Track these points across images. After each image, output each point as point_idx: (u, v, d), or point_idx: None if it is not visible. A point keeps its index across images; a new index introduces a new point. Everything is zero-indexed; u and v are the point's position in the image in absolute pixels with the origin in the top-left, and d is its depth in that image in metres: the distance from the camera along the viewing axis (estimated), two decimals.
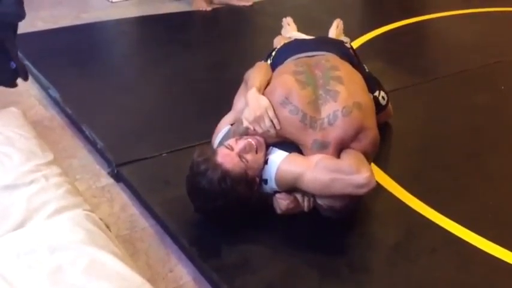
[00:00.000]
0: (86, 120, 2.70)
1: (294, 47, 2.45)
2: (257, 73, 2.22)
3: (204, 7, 4.51)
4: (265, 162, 2.02)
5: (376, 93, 2.49)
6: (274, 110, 2.02)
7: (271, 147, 2.06)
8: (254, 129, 2.03)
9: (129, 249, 1.98)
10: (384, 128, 2.44)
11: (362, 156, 1.97)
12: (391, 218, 2.18)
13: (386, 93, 2.57)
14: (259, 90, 2.08)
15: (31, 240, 1.65)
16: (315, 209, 2.03)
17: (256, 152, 1.99)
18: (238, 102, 2.28)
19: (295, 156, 2.01)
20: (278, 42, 2.80)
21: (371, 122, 2.06)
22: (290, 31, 3.13)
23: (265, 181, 2.02)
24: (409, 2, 5.02)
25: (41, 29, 3.93)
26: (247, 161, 1.95)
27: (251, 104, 2.04)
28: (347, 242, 2.02)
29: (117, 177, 2.37)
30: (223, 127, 2.22)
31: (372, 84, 2.47)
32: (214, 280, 1.84)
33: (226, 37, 3.98)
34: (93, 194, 2.30)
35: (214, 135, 2.25)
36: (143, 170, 2.38)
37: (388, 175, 2.37)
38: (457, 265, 1.93)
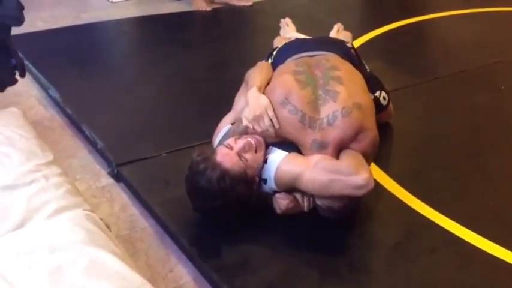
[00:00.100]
0: (86, 120, 2.70)
1: (295, 47, 2.45)
2: (258, 73, 2.22)
3: (204, 7, 4.51)
4: (265, 162, 2.02)
5: (377, 94, 2.49)
6: (273, 109, 2.03)
7: (270, 146, 2.06)
8: (253, 128, 2.04)
9: (129, 249, 1.98)
10: (384, 127, 2.44)
11: (361, 157, 1.97)
12: (391, 218, 2.18)
13: (387, 93, 2.57)
14: (259, 89, 2.09)
15: (31, 240, 1.65)
16: (314, 209, 2.03)
17: (256, 151, 2.00)
18: (239, 102, 2.29)
19: (294, 156, 2.01)
20: (278, 43, 2.80)
21: (370, 123, 2.06)
22: (289, 32, 3.13)
23: (265, 181, 2.02)
24: (409, 2, 5.02)
25: (41, 29, 3.93)
26: (246, 160, 1.95)
27: (251, 103, 2.05)
28: (347, 242, 2.02)
29: (117, 177, 2.37)
30: (224, 127, 2.22)
31: (373, 84, 2.47)
32: (214, 280, 1.84)
33: (226, 37, 3.98)
34: (93, 194, 2.30)
35: (214, 135, 2.25)
36: (143, 170, 2.38)
37: (388, 175, 2.37)
38: (457, 265, 1.93)
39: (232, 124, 2.18)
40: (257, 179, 2.00)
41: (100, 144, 2.52)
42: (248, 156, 1.96)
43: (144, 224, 2.15)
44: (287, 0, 4.77)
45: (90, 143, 2.60)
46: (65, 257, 1.57)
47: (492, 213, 2.19)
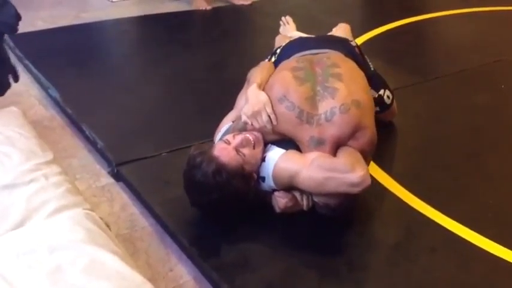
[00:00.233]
0: (86, 120, 2.70)
1: (298, 45, 2.46)
2: (259, 71, 2.24)
3: (204, 6, 4.51)
4: (263, 160, 2.02)
5: (381, 92, 2.50)
6: (272, 105, 2.03)
7: (269, 145, 2.06)
8: (252, 124, 2.04)
9: (129, 249, 1.98)
10: (383, 127, 2.44)
11: (358, 155, 1.97)
12: (391, 217, 2.18)
13: (391, 92, 2.57)
14: (259, 86, 2.10)
15: (31, 239, 1.64)
16: (314, 207, 2.04)
17: (254, 147, 2.00)
18: (241, 100, 2.30)
19: (292, 154, 2.01)
20: (280, 42, 2.80)
21: (369, 121, 2.06)
22: (289, 30, 3.13)
23: (263, 179, 2.02)
24: (409, 1, 5.03)
25: (40, 28, 3.93)
26: (244, 155, 1.96)
27: (250, 99, 2.06)
28: (347, 241, 2.02)
29: (117, 176, 2.37)
30: (226, 124, 2.23)
31: (378, 83, 2.48)
32: (214, 279, 1.84)
33: (226, 36, 3.98)
34: (93, 194, 2.30)
35: (216, 133, 2.26)
36: (143, 170, 2.38)
37: (388, 174, 2.37)
38: (457, 264, 1.93)
39: (233, 122, 2.19)
40: (255, 175, 2.01)
41: (100, 143, 2.52)
42: (246, 151, 1.97)
43: (144, 223, 2.15)
44: (287, 0, 4.77)
45: (90, 142, 2.60)
46: (65, 256, 1.57)
47: (492, 212, 2.19)
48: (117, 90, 3.06)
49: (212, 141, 2.24)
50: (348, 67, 2.19)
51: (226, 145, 1.98)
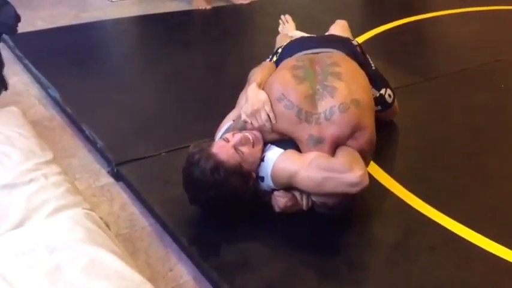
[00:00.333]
0: (86, 120, 2.70)
1: (300, 44, 2.46)
2: (260, 71, 2.25)
3: (204, 6, 4.51)
4: (262, 159, 2.02)
5: (383, 91, 2.51)
6: (271, 104, 2.04)
7: (269, 144, 2.06)
8: (251, 123, 2.05)
9: (129, 248, 1.98)
10: (384, 126, 2.44)
11: (357, 155, 1.96)
12: (390, 216, 2.18)
13: (392, 91, 2.57)
14: (259, 85, 2.11)
15: (30, 239, 1.64)
16: (313, 207, 2.03)
17: (253, 146, 2.01)
18: (242, 99, 2.31)
19: (291, 153, 2.01)
20: (280, 41, 2.80)
21: (368, 121, 2.05)
22: (288, 29, 3.12)
23: (262, 178, 2.02)
24: (409, 1, 5.03)
25: (40, 28, 3.93)
26: (242, 154, 1.96)
27: (250, 98, 2.07)
28: (346, 241, 2.02)
29: (117, 176, 2.37)
30: (226, 123, 2.23)
31: (379, 82, 2.49)
32: (214, 279, 1.83)
33: (226, 36, 3.98)
34: (93, 193, 2.30)
35: (216, 132, 2.26)
36: (143, 169, 2.38)
37: (388, 173, 2.36)
38: (457, 263, 1.93)
39: (233, 121, 2.19)
40: (254, 174, 2.01)
41: (100, 143, 2.52)
42: (245, 149, 1.98)
43: (143, 223, 2.15)
44: (287, 0, 4.77)
45: (90, 142, 2.60)
46: (64, 256, 1.57)
47: (492, 212, 2.19)
48: (117, 90, 3.06)
49: (212, 140, 2.24)
50: (348, 66, 2.19)
51: (225, 143, 1.98)
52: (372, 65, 2.52)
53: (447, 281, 1.86)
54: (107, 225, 1.85)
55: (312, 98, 2.04)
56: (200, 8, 4.51)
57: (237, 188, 1.94)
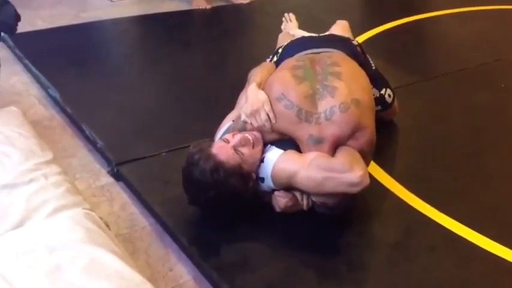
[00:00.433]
0: (86, 120, 2.70)
1: (300, 44, 2.46)
2: (259, 71, 2.25)
3: (204, 5, 4.51)
4: (262, 160, 2.02)
5: (383, 91, 2.51)
6: (271, 104, 2.04)
7: (269, 145, 2.06)
8: (251, 123, 2.05)
9: (129, 248, 1.98)
10: (384, 126, 2.44)
11: (357, 155, 1.96)
12: (390, 216, 2.18)
13: (392, 91, 2.57)
14: (258, 85, 2.11)
15: (30, 239, 1.65)
16: (314, 207, 2.03)
17: (253, 147, 2.00)
18: (241, 99, 2.31)
19: (291, 154, 2.01)
20: (282, 40, 2.80)
21: (369, 121, 2.05)
22: (292, 28, 3.12)
23: (262, 179, 2.02)
24: (409, 1, 5.03)
25: (40, 28, 3.93)
26: (242, 154, 1.96)
27: (249, 98, 2.07)
28: (346, 241, 2.02)
29: (117, 176, 2.37)
30: (226, 123, 2.23)
31: (379, 82, 2.49)
32: (214, 279, 1.83)
33: (226, 36, 3.98)
34: (93, 193, 2.30)
35: (216, 132, 2.26)
36: (143, 169, 2.38)
37: (388, 173, 2.36)
38: (457, 263, 1.93)
39: (233, 121, 2.19)
40: (254, 175, 2.01)
41: (100, 143, 2.52)
42: (245, 150, 1.97)
43: (143, 223, 2.15)
44: None
45: (90, 142, 2.60)
46: (64, 256, 1.57)
47: (492, 212, 2.19)
48: (117, 90, 3.06)
49: (212, 140, 2.24)
50: (348, 66, 2.19)
51: (225, 144, 1.98)
52: (372, 65, 2.52)
53: (447, 281, 1.86)
54: (107, 225, 1.85)
55: (312, 98, 2.04)
56: (200, 7, 4.50)
57: (236, 189, 1.94)
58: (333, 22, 2.99)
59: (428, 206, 2.17)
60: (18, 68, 3.33)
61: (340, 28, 2.84)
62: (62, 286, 1.49)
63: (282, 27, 3.18)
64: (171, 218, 2.08)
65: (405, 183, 2.30)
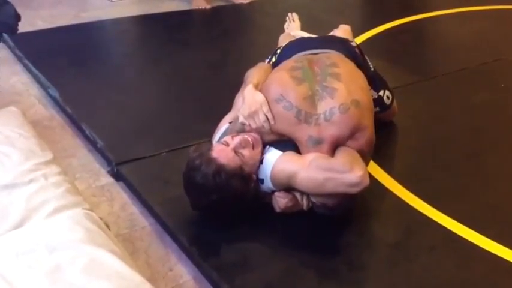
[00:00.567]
0: (86, 120, 2.70)
1: (299, 45, 2.45)
2: (256, 72, 2.24)
3: (204, 5, 4.51)
4: (261, 162, 2.02)
5: (381, 93, 2.51)
6: (269, 105, 2.03)
7: (268, 146, 2.06)
8: (249, 125, 2.05)
9: (129, 248, 1.98)
10: (383, 127, 2.44)
11: (357, 155, 1.96)
12: (390, 216, 2.18)
13: (391, 92, 2.57)
14: (255, 86, 2.10)
15: (30, 239, 1.65)
16: (313, 207, 2.03)
17: (253, 148, 2.00)
18: (238, 101, 2.29)
19: (290, 155, 2.01)
20: (283, 40, 2.80)
21: (368, 121, 2.05)
22: (294, 28, 3.12)
23: (262, 181, 2.02)
24: (409, 1, 5.03)
25: (40, 28, 3.93)
26: (243, 156, 1.96)
27: (247, 99, 2.06)
28: (346, 241, 2.02)
29: (117, 176, 2.37)
30: (223, 125, 2.23)
31: (378, 83, 2.48)
32: (214, 279, 1.83)
33: (225, 36, 3.98)
34: (93, 193, 2.30)
35: (214, 134, 2.26)
36: (143, 169, 2.38)
37: (388, 173, 2.36)
38: (457, 263, 1.93)
39: (231, 123, 2.19)
40: (254, 176, 2.00)
41: (100, 143, 2.52)
42: (245, 152, 1.97)
43: (143, 223, 2.15)
44: None
45: (90, 142, 2.60)
46: (64, 256, 1.57)
47: (492, 212, 2.19)
48: (117, 90, 3.06)
49: (211, 143, 2.24)
50: (347, 67, 2.19)
51: (225, 147, 1.97)
52: (371, 66, 2.52)
53: (447, 281, 1.86)
54: (107, 225, 1.85)
55: (311, 99, 2.03)
56: (200, 7, 4.51)
57: (238, 191, 1.94)
58: (333, 22, 2.99)
59: (428, 206, 2.17)
60: (18, 68, 3.33)
61: (341, 32, 2.84)
62: (62, 286, 1.49)
63: (285, 26, 3.18)
64: (171, 218, 2.08)
65: (405, 183, 2.30)
